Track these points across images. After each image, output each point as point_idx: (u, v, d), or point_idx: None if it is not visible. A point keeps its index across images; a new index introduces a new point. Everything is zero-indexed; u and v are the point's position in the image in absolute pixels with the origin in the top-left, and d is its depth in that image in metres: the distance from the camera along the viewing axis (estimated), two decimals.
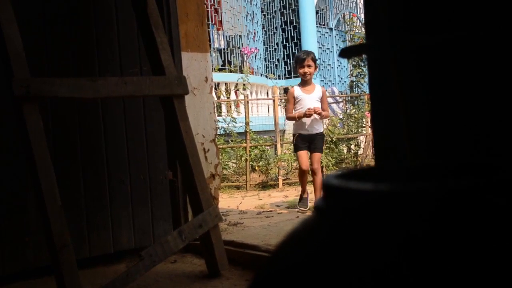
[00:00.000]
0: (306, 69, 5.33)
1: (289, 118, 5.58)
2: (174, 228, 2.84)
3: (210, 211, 2.43)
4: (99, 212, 2.72)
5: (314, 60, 5.44)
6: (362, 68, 10.10)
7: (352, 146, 8.89)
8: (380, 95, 1.35)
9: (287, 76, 13.32)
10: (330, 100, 9.74)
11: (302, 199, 5.36)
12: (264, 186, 7.57)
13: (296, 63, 5.54)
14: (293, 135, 5.39)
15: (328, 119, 8.81)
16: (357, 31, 11.33)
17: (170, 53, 2.52)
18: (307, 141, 5.27)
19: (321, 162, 8.28)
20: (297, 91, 5.39)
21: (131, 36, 2.84)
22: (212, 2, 10.79)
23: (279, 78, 13.09)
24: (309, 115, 5.16)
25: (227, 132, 7.88)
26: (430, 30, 1.22)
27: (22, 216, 2.52)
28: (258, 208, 5.53)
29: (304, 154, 5.24)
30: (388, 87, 1.30)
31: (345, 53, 1.28)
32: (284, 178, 7.41)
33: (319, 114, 5.19)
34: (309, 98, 5.29)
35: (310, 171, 5.35)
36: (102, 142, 2.73)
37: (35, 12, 2.55)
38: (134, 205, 2.81)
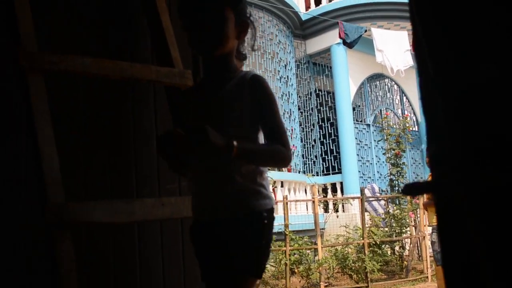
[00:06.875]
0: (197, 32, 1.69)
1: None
2: None
3: None
4: None
5: (233, 2, 1.70)
6: (401, 166, 9.87)
7: (397, 248, 8.47)
8: (455, 247, 1.15)
9: (325, 172, 13.17)
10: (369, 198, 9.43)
11: None
12: None
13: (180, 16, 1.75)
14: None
15: (370, 219, 8.43)
16: (392, 128, 11.24)
17: None
18: (207, 243, 1.73)
19: (363, 266, 7.33)
20: (188, 92, 2.06)
21: None
22: None
23: (317, 175, 12.94)
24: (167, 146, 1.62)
25: None
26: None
27: None
28: None
29: None
30: (464, 236, 1.10)
31: (409, 190, 1.11)
32: (326, 284, 7.01)
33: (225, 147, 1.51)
34: (207, 108, 1.73)
35: None
36: (137, 266, 2.56)
37: (73, 131, 2.51)
38: None
